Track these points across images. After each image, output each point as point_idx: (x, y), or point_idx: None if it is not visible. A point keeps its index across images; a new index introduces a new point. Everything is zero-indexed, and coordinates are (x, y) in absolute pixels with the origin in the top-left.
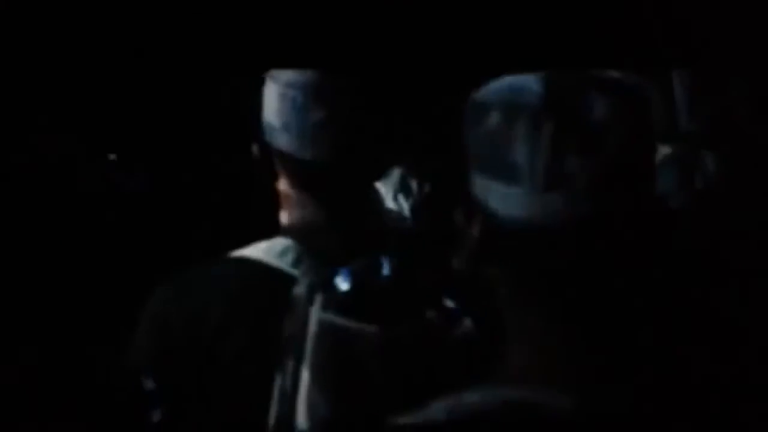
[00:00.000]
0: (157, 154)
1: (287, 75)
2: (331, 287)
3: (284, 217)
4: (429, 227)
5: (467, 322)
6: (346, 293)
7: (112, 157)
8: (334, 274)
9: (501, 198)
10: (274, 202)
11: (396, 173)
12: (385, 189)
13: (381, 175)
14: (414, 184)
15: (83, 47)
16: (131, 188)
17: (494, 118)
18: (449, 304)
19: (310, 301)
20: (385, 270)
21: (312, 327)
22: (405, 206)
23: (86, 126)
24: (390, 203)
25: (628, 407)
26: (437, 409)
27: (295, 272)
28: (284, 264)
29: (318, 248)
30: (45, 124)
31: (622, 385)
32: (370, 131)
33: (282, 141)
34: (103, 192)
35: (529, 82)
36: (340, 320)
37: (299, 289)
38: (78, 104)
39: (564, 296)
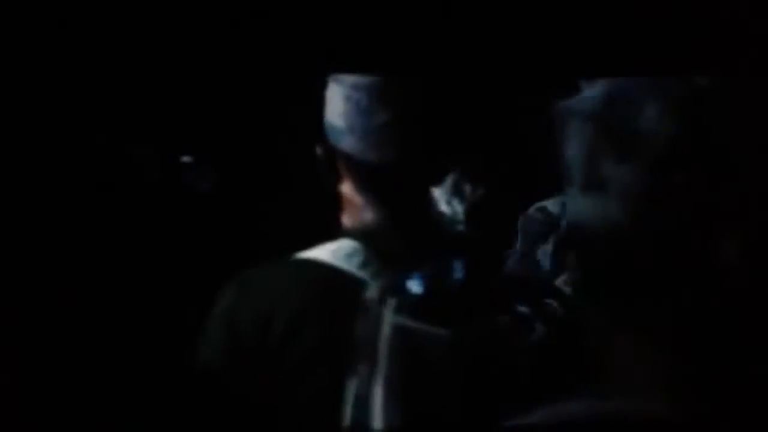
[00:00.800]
0: (227, 155)
1: (352, 77)
2: (404, 291)
3: (347, 220)
4: (482, 232)
5: (540, 328)
6: (419, 297)
7: (186, 158)
8: (407, 277)
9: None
10: (337, 205)
11: (450, 177)
12: (438, 193)
13: (443, 177)
14: (467, 188)
15: (152, 49)
16: (202, 189)
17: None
18: (522, 309)
19: (382, 305)
20: (458, 273)
21: (385, 331)
22: (459, 210)
23: (158, 128)
24: (444, 207)
25: (723, 416)
26: (533, 418)
27: (362, 275)
28: (352, 266)
29: (384, 251)
30: (118, 127)
31: (717, 393)
32: (434, 133)
33: (346, 143)
34: (175, 192)
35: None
36: (413, 324)
37: (371, 293)
38: (150, 106)
39: (651, 305)
